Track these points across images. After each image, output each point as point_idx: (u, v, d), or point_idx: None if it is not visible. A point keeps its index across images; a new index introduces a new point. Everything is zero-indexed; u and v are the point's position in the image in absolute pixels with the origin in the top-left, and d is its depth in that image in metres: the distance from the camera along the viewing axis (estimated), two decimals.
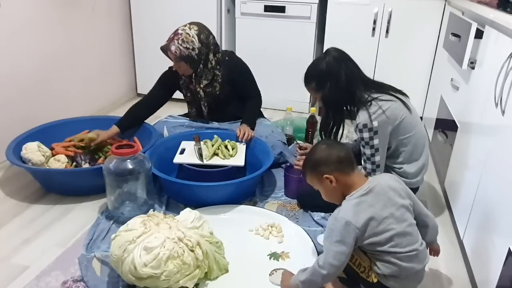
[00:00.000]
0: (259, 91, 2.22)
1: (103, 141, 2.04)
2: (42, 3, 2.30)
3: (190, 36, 1.94)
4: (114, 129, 2.07)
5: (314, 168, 1.24)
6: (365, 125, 1.52)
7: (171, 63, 2.17)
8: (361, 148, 1.59)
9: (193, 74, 2.05)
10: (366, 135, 1.53)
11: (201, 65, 2.01)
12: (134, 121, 2.15)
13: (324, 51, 1.65)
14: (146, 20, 3.02)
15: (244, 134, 2.00)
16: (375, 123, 1.51)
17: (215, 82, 2.08)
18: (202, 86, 2.07)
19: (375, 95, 1.56)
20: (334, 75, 1.56)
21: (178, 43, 1.93)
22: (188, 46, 1.93)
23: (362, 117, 1.53)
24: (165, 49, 1.97)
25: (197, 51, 1.96)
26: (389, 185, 1.20)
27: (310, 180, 1.28)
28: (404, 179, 1.62)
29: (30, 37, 2.26)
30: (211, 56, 2.02)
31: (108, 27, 2.92)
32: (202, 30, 1.99)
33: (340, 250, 1.12)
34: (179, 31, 1.95)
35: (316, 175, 1.24)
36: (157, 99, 2.17)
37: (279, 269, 1.41)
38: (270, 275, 1.39)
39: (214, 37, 2.05)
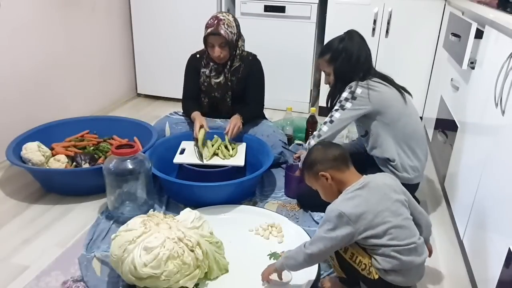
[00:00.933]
0: (263, 102, 2.21)
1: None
2: (42, 3, 2.30)
3: (231, 21, 1.98)
4: (198, 113, 2.07)
5: (310, 167, 1.28)
6: (350, 87, 1.64)
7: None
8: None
9: (228, 61, 2.06)
10: (345, 94, 1.64)
11: (233, 52, 2.04)
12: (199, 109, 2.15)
13: (345, 31, 1.74)
14: (146, 20, 3.02)
15: (234, 128, 1.96)
16: (358, 90, 1.61)
17: (235, 75, 2.09)
18: (230, 72, 2.08)
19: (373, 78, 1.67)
20: (348, 52, 1.67)
21: (225, 27, 1.95)
22: (232, 30, 1.98)
23: (353, 83, 1.65)
24: (214, 33, 1.94)
25: (236, 37, 2.00)
26: (384, 182, 1.23)
27: (307, 180, 1.32)
28: (401, 174, 1.63)
29: (30, 37, 2.26)
30: (240, 43, 2.06)
31: (108, 27, 2.92)
32: (235, 17, 2.04)
33: (330, 236, 1.15)
34: (221, 17, 1.97)
35: (313, 174, 1.27)
36: (196, 89, 2.16)
37: None
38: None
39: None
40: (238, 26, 2.04)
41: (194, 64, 2.14)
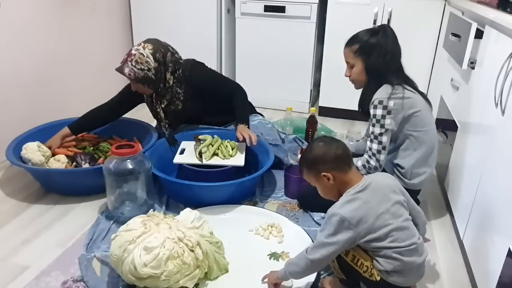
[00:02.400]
0: (237, 84, 2.13)
1: (58, 147, 2.00)
2: (42, 3, 2.30)
3: (144, 56, 1.84)
4: (65, 131, 2.01)
5: (311, 165, 1.25)
6: (381, 102, 1.53)
7: None
8: (370, 127, 1.59)
9: (154, 94, 1.98)
10: (379, 111, 1.53)
11: (161, 84, 1.94)
12: (89, 126, 2.11)
13: (379, 25, 1.67)
14: (146, 20, 3.02)
15: (250, 137, 1.89)
16: (391, 103, 1.52)
17: (176, 100, 2.01)
18: (163, 106, 2.00)
19: (403, 83, 1.58)
20: (384, 48, 1.58)
21: (131, 64, 1.83)
22: (143, 67, 1.84)
23: (381, 93, 1.54)
24: (119, 71, 1.86)
25: (153, 71, 1.86)
26: (384, 182, 1.22)
27: (307, 177, 1.29)
28: (407, 180, 1.62)
29: (30, 37, 2.26)
30: (168, 75, 1.93)
31: (108, 27, 2.92)
32: (157, 48, 1.89)
33: (331, 241, 1.13)
34: (133, 52, 1.86)
35: (313, 172, 1.25)
36: (119, 108, 2.10)
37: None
38: None
39: (173, 53, 1.96)
40: (159, 59, 1.88)
41: (132, 91, 2.00)
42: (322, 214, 1.71)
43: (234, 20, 2.95)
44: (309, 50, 2.86)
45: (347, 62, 1.67)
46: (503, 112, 1.25)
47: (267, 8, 2.82)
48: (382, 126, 1.55)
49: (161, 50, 1.90)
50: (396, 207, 1.18)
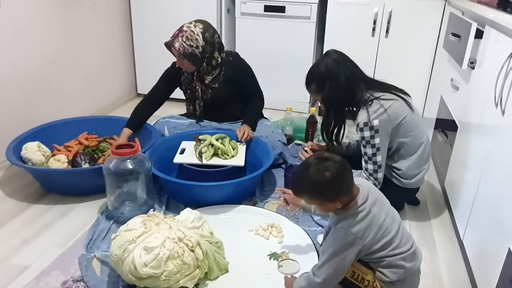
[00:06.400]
0: (262, 93, 2.23)
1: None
2: (42, 3, 2.30)
3: (194, 34, 1.95)
4: (127, 131, 2.06)
5: (314, 196, 1.15)
6: (365, 124, 1.53)
7: (171, 62, 2.17)
8: (362, 148, 1.58)
9: (196, 72, 2.06)
10: (367, 133, 1.54)
11: (204, 64, 2.03)
12: (142, 119, 2.15)
13: (324, 52, 1.65)
14: (146, 20, 3.02)
15: (244, 133, 1.99)
16: (375, 122, 1.52)
17: (216, 82, 2.09)
18: (206, 82, 2.09)
19: (377, 94, 1.57)
20: (334, 76, 1.57)
21: (182, 40, 1.94)
22: (192, 44, 1.95)
23: (362, 116, 1.54)
24: (169, 45, 1.99)
25: (200, 49, 1.97)
26: (374, 187, 1.22)
27: (308, 202, 1.23)
28: (404, 180, 1.62)
29: (30, 37, 2.26)
30: (216, 54, 2.04)
31: (108, 27, 2.92)
32: (207, 28, 2.00)
33: (338, 259, 1.11)
34: (184, 28, 1.97)
35: (319, 201, 1.15)
36: (160, 94, 2.19)
37: (285, 259, 1.45)
38: (279, 267, 1.42)
39: (219, 36, 2.07)
40: (208, 38, 1.98)
41: (170, 72, 2.16)
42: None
43: (234, 20, 2.95)
44: (309, 50, 2.86)
45: (316, 99, 1.69)
46: (503, 112, 1.25)
47: (267, 8, 2.82)
48: (373, 146, 1.54)
49: (210, 30, 2.01)
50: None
